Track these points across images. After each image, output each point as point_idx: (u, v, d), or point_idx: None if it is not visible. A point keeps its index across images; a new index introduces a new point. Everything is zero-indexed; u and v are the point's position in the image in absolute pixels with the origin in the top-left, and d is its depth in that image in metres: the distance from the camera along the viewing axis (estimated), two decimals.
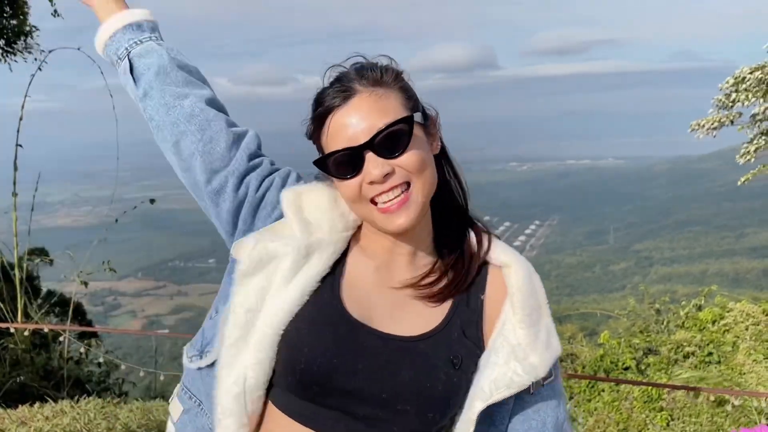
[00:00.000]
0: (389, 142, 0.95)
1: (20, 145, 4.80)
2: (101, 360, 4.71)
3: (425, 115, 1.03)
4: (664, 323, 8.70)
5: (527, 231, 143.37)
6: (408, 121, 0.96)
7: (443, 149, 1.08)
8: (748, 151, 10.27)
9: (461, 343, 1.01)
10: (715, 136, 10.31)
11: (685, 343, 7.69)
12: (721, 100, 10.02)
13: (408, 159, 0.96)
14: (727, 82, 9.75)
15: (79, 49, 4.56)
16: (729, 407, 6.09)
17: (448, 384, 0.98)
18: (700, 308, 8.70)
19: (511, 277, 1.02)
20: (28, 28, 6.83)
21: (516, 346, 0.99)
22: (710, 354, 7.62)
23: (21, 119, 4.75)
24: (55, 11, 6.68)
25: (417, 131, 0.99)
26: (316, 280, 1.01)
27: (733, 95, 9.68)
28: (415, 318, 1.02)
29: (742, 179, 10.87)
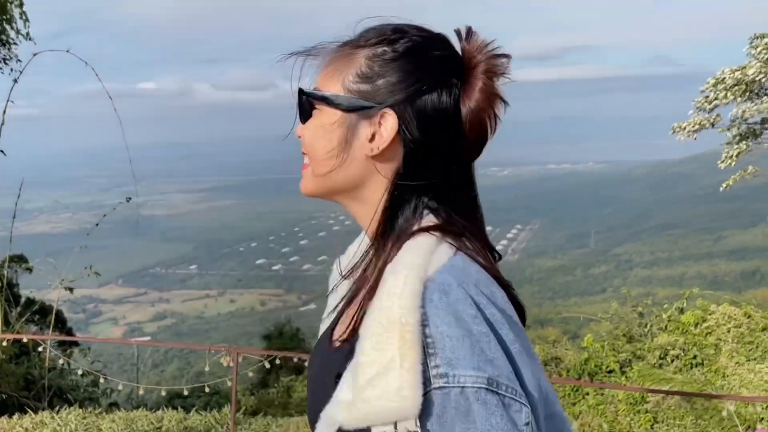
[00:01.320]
0: (299, 108, 0.91)
1: (2, 152, 4.71)
2: (81, 372, 4.63)
3: (369, 106, 0.85)
4: (647, 326, 8.75)
5: (509, 235, 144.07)
6: (305, 94, 0.90)
7: (413, 153, 0.85)
8: (730, 156, 10.35)
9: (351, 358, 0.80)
10: (695, 139, 10.43)
11: (669, 347, 7.75)
12: (701, 102, 10.12)
13: (304, 132, 0.90)
14: (708, 83, 9.85)
15: (68, 51, 4.48)
16: (712, 410, 6.15)
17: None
18: (682, 311, 8.75)
19: None
20: (6, 36, 6.70)
21: (343, 379, 0.77)
22: (694, 357, 7.69)
23: (2, 124, 4.67)
24: (27, 34, 6.56)
25: (331, 113, 0.87)
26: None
27: (711, 94, 9.78)
28: (342, 327, 0.87)
29: (724, 185, 10.88)
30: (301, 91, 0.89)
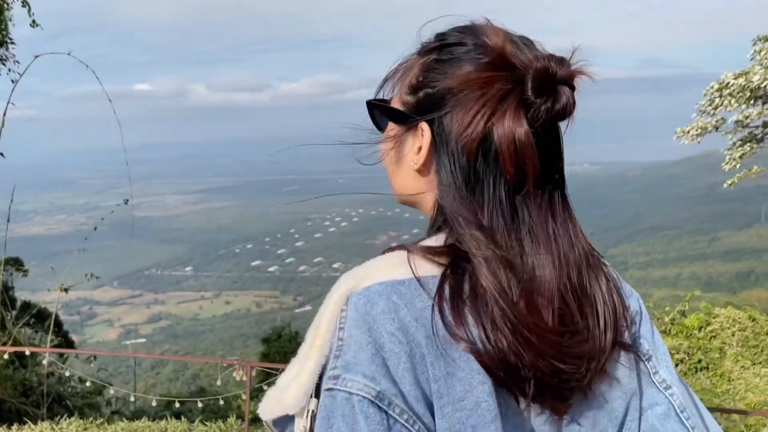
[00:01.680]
0: (371, 119, 0.88)
1: (1, 154, 4.65)
2: (87, 383, 4.52)
3: (412, 119, 0.80)
4: None
5: None
6: (370, 105, 0.86)
7: (444, 171, 0.78)
8: (734, 158, 10.36)
9: None
10: (699, 142, 10.43)
11: (673, 351, 7.66)
12: (704, 105, 10.08)
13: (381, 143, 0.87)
14: (711, 87, 9.81)
15: (69, 54, 4.42)
16: (716, 416, 6.06)
17: None
18: (684, 314, 8.66)
19: None
20: (2, 38, 6.64)
21: None
22: (699, 361, 7.63)
23: (2, 127, 4.61)
24: (34, 21, 6.50)
25: (391, 125, 0.84)
26: None
27: (716, 100, 9.75)
28: None
29: (728, 182, 10.86)
30: (368, 103, 0.86)
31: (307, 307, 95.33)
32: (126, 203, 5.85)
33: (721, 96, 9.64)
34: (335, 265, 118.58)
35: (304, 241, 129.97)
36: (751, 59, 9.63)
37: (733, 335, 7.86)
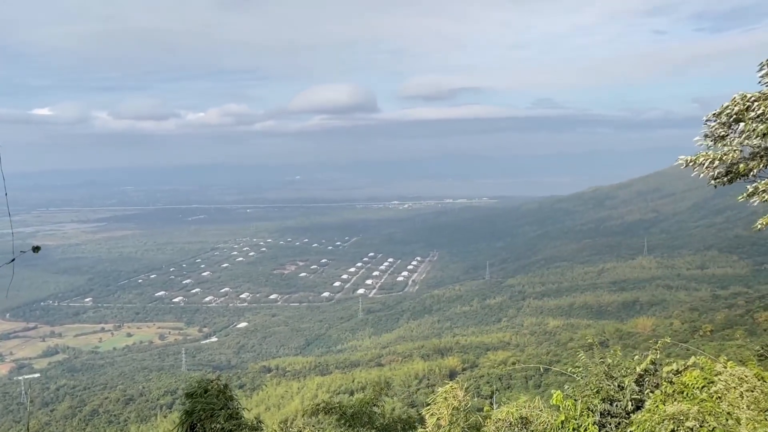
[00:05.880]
0: None
1: None
2: None
3: None
4: (625, 388, 8.11)
5: (409, 267, 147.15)
6: None
7: None
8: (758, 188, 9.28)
9: None
10: (716, 179, 9.39)
11: (681, 417, 6.87)
12: (713, 127, 9.12)
13: None
14: (722, 113, 8.75)
15: None
16: None
17: None
18: (678, 372, 7.92)
19: None
20: None
21: None
22: (713, 429, 6.74)
23: None
24: None
25: None
26: None
27: (743, 126, 8.82)
28: None
29: (760, 223, 9.67)
30: None
31: (213, 339, 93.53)
32: (36, 251, 5.16)
33: (750, 123, 8.67)
34: (243, 296, 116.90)
35: (211, 271, 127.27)
36: (763, 84, 8.95)
37: (741, 397, 7.03)
